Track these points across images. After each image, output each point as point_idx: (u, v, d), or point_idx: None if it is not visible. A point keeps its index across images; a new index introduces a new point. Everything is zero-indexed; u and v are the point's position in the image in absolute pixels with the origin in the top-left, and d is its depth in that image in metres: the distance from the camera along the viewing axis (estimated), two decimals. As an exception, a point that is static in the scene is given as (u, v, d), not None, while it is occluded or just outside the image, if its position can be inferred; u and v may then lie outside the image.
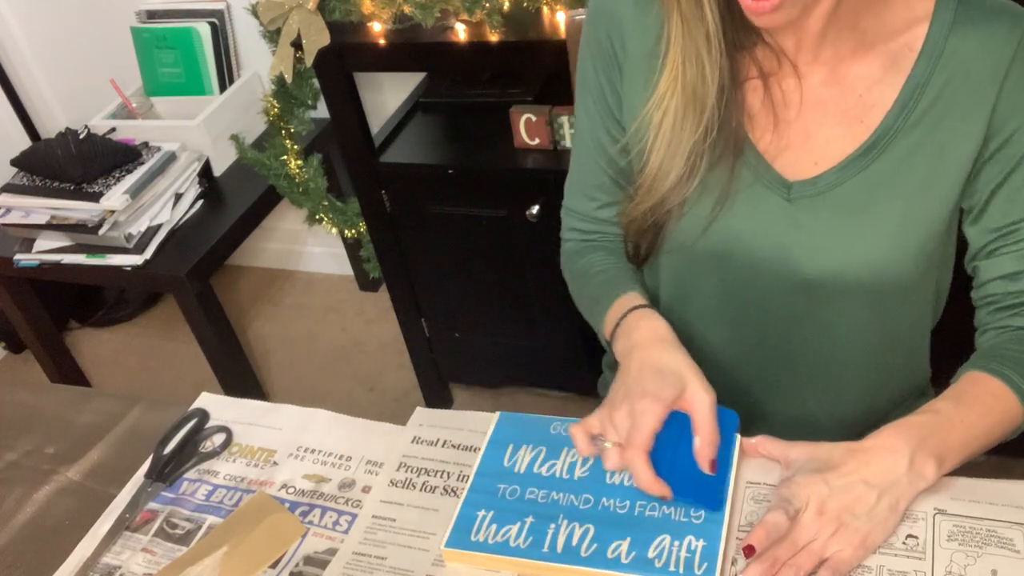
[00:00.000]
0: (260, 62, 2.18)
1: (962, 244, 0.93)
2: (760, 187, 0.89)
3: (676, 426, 0.83)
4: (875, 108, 0.86)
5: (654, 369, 0.85)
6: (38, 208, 1.96)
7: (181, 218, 2.03)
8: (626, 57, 0.93)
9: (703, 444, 0.82)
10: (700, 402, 0.83)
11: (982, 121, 0.83)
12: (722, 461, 0.83)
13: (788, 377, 1.01)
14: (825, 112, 0.87)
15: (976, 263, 0.91)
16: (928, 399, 1.07)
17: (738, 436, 0.86)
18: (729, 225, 0.91)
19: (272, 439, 0.99)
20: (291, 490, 0.93)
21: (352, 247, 2.39)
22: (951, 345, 1.00)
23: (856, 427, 1.03)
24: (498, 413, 0.93)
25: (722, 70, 0.84)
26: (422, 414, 0.98)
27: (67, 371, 2.37)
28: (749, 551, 0.76)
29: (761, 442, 0.85)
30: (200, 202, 2.08)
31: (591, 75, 0.97)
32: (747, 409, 1.05)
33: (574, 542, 0.80)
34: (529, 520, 0.82)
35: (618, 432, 0.84)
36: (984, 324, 0.92)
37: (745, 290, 0.95)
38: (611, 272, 1.01)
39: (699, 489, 0.81)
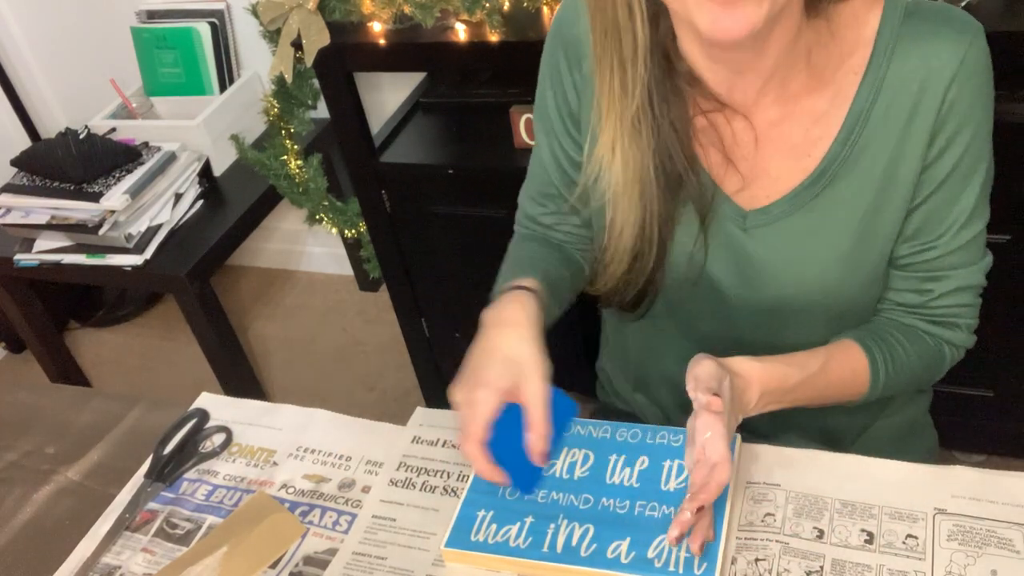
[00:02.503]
0: (260, 62, 2.18)
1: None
2: (718, 219, 0.90)
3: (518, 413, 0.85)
4: (821, 140, 0.86)
5: (498, 355, 0.85)
6: (38, 208, 1.96)
7: (181, 218, 2.03)
8: (583, 82, 0.92)
9: (533, 438, 0.84)
10: (532, 396, 0.83)
11: (923, 142, 0.83)
12: (555, 449, 0.87)
13: None
14: (775, 148, 0.88)
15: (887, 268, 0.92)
16: (916, 401, 1.07)
17: (738, 436, 0.86)
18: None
19: (272, 439, 0.99)
20: (291, 490, 0.93)
21: (352, 247, 2.39)
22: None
23: (840, 434, 1.03)
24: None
25: (664, 124, 0.84)
26: (422, 414, 0.98)
27: (67, 371, 2.37)
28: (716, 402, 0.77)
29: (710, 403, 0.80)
30: (200, 202, 2.08)
31: (549, 98, 0.97)
32: None
33: (574, 542, 0.79)
34: (529, 520, 0.82)
35: (459, 420, 0.85)
36: (876, 312, 0.95)
37: (711, 316, 0.97)
38: (525, 260, 1.01)
39: (529, 476, 0.85)
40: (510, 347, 0.86)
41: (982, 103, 0.83)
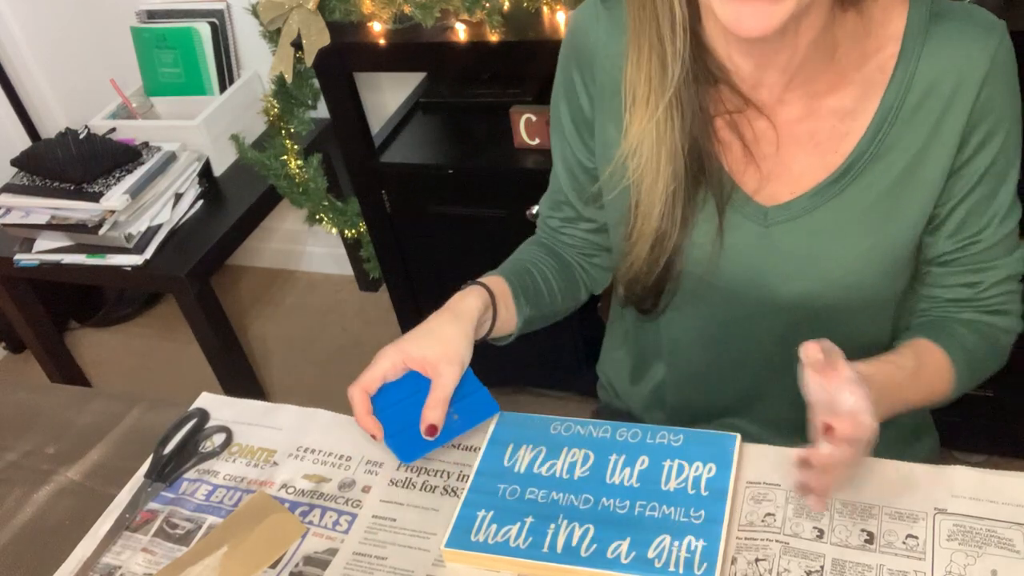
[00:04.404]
0: (260, 62, 2.18)
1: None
2: (739, 217, 0.90)
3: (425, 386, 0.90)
4: (848, 136, 0.86)
5: (424, 330, 0.91)
6: (38, 208, 1.96)
7: (181, 218, 2.03)
8: (596, 89, 0.93)
9: (425, 408, 0.88)
10: (437, 370, 0.88)
11: (954, 139, 0.83)
12: (446, 431, 0.90)
13: (774, 389, 1.01)
14: (799, 146, 0.88)
15: (930, 268, 0.92)
16: None
17: (738, 436, 0.86)
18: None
19: (272, 439, 0.99)
20: (291, 490, 0.93)
21: (352, 247, 2.39)
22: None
23: None
24: (498, 413, 0.94)
25: (694, 110, 0.84)
26: (422, 414, 0.98)
27: (67, 371, 2.37)
28: (828, 429, 0.73)
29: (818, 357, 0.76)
30: (200, 202, 2.08)
31: (563, 108, 0.98)
32: (732, 416, 1.05)
33: (574, 542, 0.79)
34: (529, 520, 0.82)
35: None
36: (924, 311, 0.94)
37: (726, 314, 0.96)
38: (515, 260, 1.05)
39: (409, 443, 0.90)
40: (436, 326, 0.91)
41: (1012, 100, 0.84)
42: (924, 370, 0.87)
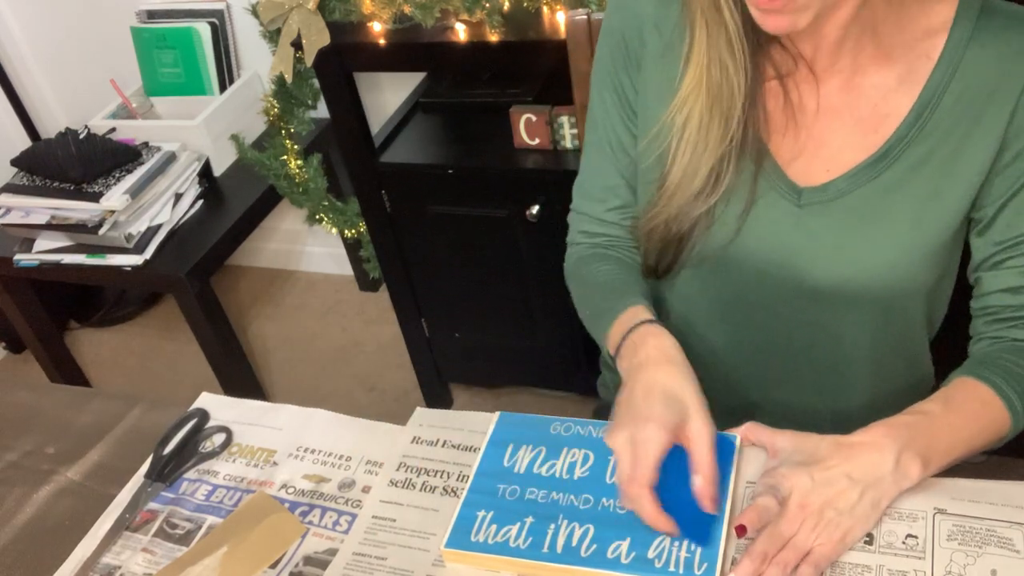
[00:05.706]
0: (260, 62, 2.19)
1: (965, 254, 0.93)
2: (772, 193, 0.89)
3: (673, 455, 0.80)
4: (889, 118, 0.85)
5: (660, 391, 0.82)
6: (38, 208, 1.96)
7: (181, 218, 2.03)
8: (645, 54, 0.92)
9: (704, 483, 0.79)
10: (700, 438, 0.80)
11: (997, 133, 0.82)
12: (719, 494, 0.80)
13: (791, 376, 1.01)
14: (839, 120, 0.87)
15: (979, 274, 0.90)
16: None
17: (738, 437, 0.86)
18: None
19: (272, 439, 0.99)
20: (291, 490, 0.93)
21: (352, 247, 2.39)
22: (952, 347, 1.00)
23: (856, 420, 1.03)
24: (498, 413, 0.93)
25: (746, 71, 0.84)
26: (422, 414, 0.98)
27: (67, 371, 2.37)
28: (741, 531, 0.77)
29: (750, 429, 0.85)
30: (200, 202, 2.08)
31: (609, 70, 0.95)
32: (747, 403, 1.05)
33: (574, 542, 0.80)
34: (529, 520, 0.82)
35: (619, 462, 0.80)
36: (979, 333, 0.92)
37: (751, 294, 0.95)
38: (616, 283, 0.99)
39: (695, 523, 0.78)
40: (671, 384, 0.82)
41: None
42: (961, 408, 0.83)
